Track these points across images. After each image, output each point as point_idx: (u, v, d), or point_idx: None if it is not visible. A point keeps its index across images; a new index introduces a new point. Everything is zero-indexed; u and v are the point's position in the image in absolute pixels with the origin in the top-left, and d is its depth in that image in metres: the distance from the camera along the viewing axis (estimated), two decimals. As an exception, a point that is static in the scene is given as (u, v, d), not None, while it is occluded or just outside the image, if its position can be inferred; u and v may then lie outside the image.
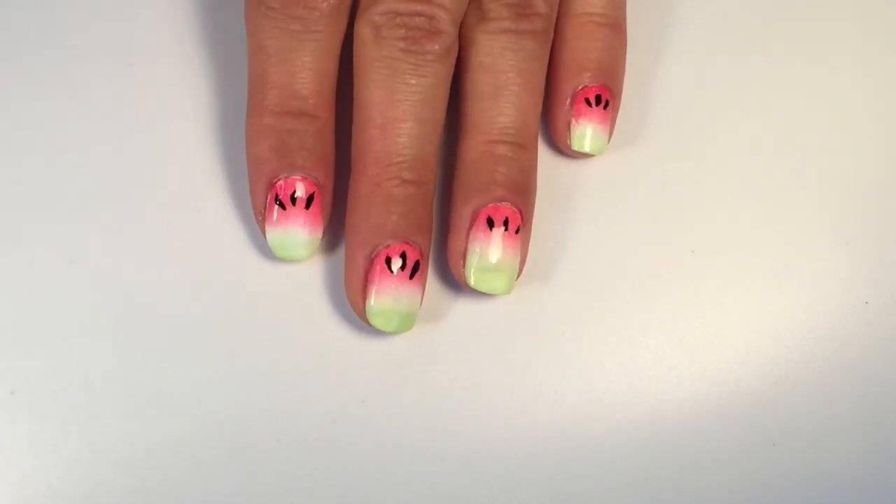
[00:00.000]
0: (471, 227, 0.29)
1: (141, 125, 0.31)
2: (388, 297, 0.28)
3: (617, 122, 0.32)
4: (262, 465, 0.29)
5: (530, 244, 0.30)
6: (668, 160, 0.32)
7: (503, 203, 0.29)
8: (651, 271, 0.31)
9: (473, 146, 0.29)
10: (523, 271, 0.30)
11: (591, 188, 0.31)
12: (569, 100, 0.31)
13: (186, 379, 0.29)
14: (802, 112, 0.32)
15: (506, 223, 0.29)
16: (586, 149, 0.31)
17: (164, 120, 0.31)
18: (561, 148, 0.31)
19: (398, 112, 0.28)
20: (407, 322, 0.29)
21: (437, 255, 0.30)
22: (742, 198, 0.31)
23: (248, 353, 0.29)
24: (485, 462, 0.29)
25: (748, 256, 0.31)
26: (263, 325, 0.30)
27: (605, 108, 0.31)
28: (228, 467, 0.29)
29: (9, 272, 0.30)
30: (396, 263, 0.28)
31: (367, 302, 0.28)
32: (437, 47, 0.28)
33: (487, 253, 0.29)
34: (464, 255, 0.29)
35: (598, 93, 0.30)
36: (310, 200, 0.29)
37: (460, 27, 0.30)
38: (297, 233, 0.29)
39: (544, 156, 0.32)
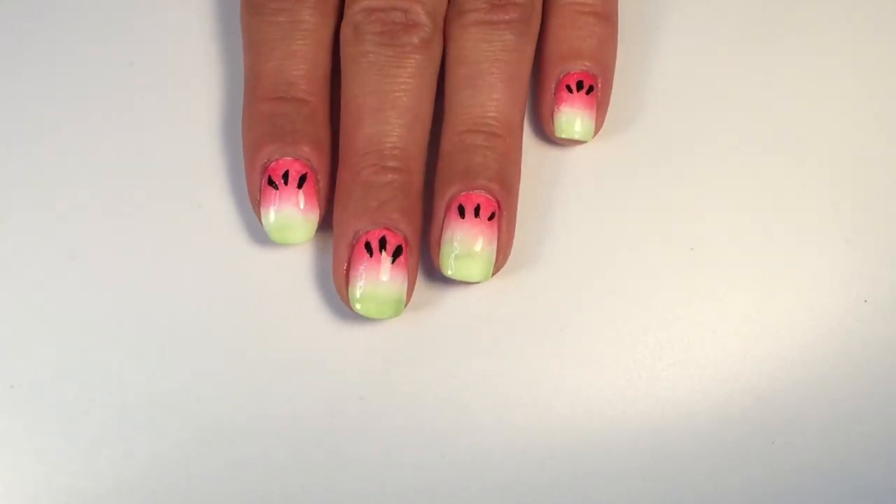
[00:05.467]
0: (444, 216, 0.29)
1: (142, 123, 0.31)
2: (368, 282, 0.28)
3: (619, 117, 0.32)
4: (260, 462, 0.29)
5: (532, 240, 0.30)
6: (669, 157, 0.32)
7: (475, 191, 0.29)
8: (650, 268, 0.31)
9: (448, 137, 0.30)
10: (529, 268, 0.30)
11: (591, 184, 0.31)
12: (552, 89, 0.31)
13: (186, 374, 0.29)
14: (802, 108, 0.32)
15: (477, 210, 0.29)
16: (570, 135, 0.31)
17: (165, 118, 0.31)
18: (551, 139, 0.31)
19: (375, 102, 0.29)
20: (389, 307, 0.28)
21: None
22: (742, 195, 0.31)
23: (249, 349, 0.29)
24: (483, 459, 0.29)
25: (747, 253, 0.31)
26: (264, 321, 0.30)
27: (587, 93, 0.31)
28: (228, 463, 0.29)
29: (10, 267, 0.30)
30: (375, 248, 0.28)
31: (349, 288, 0.28)
32: (414, 39, 0.29)
33: (459, 240, 0.29)
34: (439, 245, 0.29)
35: (580, 79, 0.31)
36: (302, 180, 0.29)
37: (444, 24, 0.30)
38: (290, 212, 0.29)
39: (542, 150, 0.32)
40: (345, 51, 0.30)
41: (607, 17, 0.31)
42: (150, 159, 0.31)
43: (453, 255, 0.29)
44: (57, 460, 0.28)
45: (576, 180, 0.32)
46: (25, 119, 0.31)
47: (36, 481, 0.28)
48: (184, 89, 0.32)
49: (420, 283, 0.30)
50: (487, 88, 0.29)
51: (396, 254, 0.28)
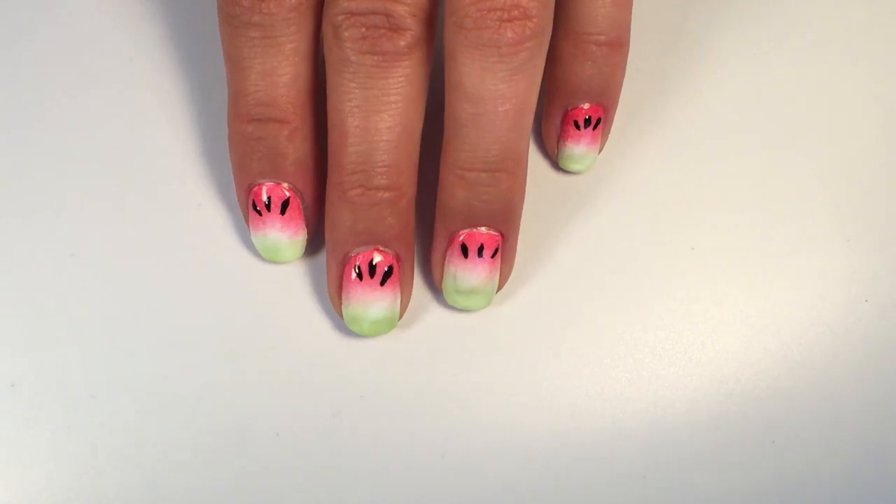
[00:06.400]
0: (446, 249, 0.29)
1: (142, 120, 0.31)
2: (357, 304, 0.28)
3: (620, 118, 0.32)
4: (261, 460, 0.29)
5: (532, 240, 0.31)
6: (669, 157, 0.32)
7: (479, 229, 0.28)
8: (651, 267, 0.31)
9: (450, 169, 0.28)
10: (529, 268, 0.30)
11: (593, 184, 0.31)
12: (559, 120, 0.30)
13: (186, 373, 0.29)
14: (803, 109, 0.33)
15: (480, 250, 0.28)
16: (573, 170, 0.31)
17: (165, 115, 0.31)
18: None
19: (360, 119, 0.27)
20: (381, 327, 0.29)
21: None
22: (742, 195, 0.31)
23: (249, 348, 0.29)
24: (483, 458, 0.29)
25: (748, 253, 0.31)
26: (264, 321, 0.30)
27: (594, 128, 0.30)
28: (228, 462, 0.29)
29: (11, 265, 0.30)
30: (364, 271, 0.28)
31: (342, 307, 0.29)
32: (401, 43, 0.27)
33: (462, 279, 0.29)
34: (441, 273, 0.29)
35: (589, 114, 0.30)
36: (285, 205, 0.29)
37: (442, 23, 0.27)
38: (276, 237, 0.29)
39: (543, 151, 0.32)
40: (327, 55, 0.28)
41: (621, 45, 0.30)
42: (150, 157, 0.31)
43: (454, 289, 0.29)
44: (57, 460, 0.28)
45: (576, 180, 0.32)
46: (25, 116, 0.31)
47: (36, 481, 0.28)
48: (184, 86, 0.32)
49: (420, 282, 0.30)
50: (492, 127, 0.27)
51: (387, 274, 0.28)
